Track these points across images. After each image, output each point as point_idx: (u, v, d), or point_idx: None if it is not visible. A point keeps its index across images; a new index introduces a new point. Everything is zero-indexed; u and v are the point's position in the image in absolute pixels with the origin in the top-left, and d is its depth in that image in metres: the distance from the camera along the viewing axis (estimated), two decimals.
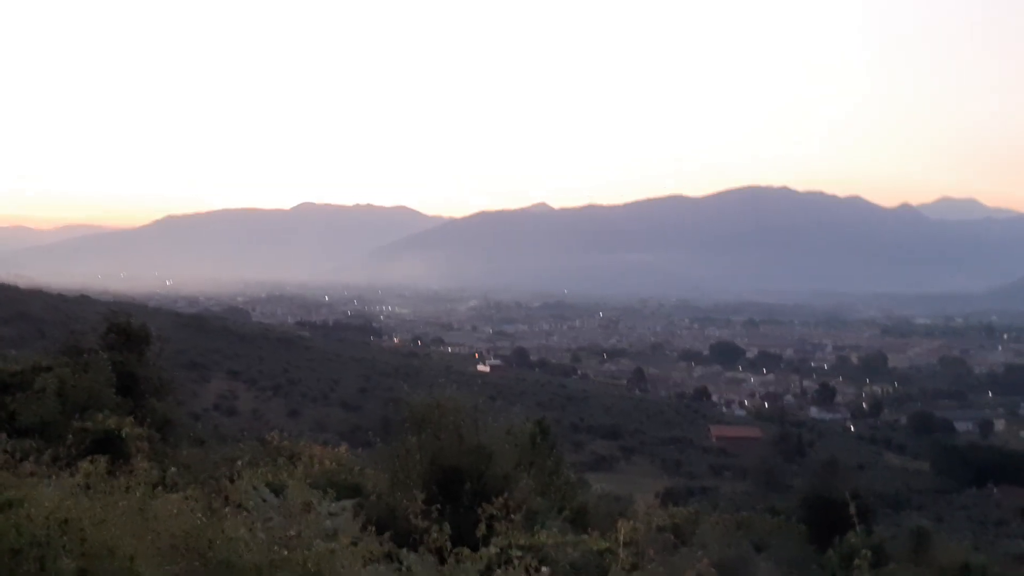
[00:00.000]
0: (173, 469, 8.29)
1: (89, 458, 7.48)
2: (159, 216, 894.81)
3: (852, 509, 6.76)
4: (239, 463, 9.77)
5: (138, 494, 6.78)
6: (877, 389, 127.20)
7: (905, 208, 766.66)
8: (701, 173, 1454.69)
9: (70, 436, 10.67)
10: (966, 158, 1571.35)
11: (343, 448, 16.18)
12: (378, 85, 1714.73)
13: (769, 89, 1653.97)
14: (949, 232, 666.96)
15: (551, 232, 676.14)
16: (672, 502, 31.62)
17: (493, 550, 5.99)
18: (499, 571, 5.95)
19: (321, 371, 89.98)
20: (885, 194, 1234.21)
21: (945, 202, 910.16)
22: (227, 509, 6.64)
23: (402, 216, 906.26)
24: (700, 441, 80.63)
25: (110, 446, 10.90)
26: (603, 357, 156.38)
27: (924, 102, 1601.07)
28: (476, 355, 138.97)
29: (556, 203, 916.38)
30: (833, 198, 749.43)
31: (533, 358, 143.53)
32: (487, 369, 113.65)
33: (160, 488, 7.30)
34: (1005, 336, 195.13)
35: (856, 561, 6.52)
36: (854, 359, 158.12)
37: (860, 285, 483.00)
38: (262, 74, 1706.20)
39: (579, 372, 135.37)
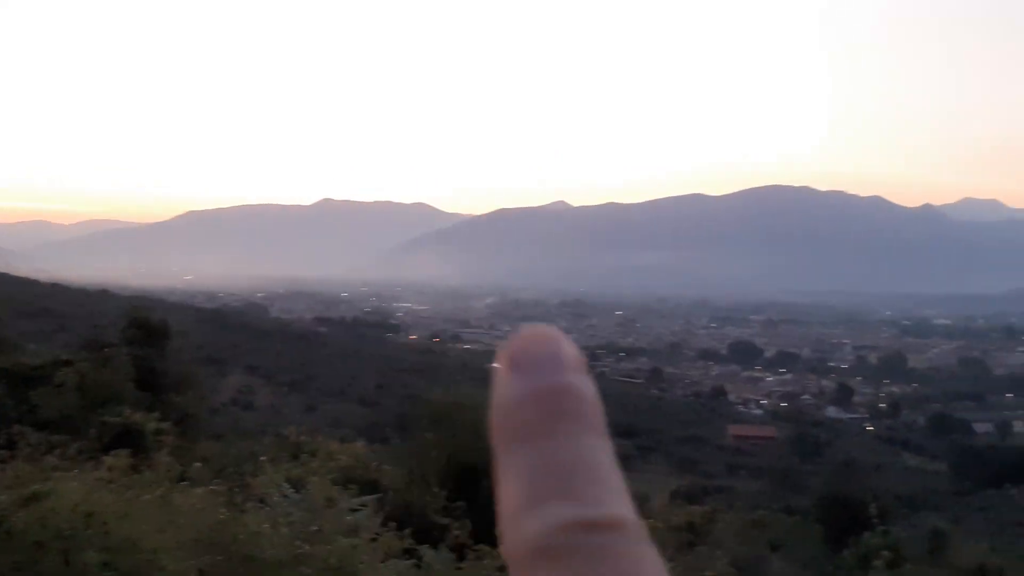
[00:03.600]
0: (197, 464, 8.37)
1: (112, 452, 7.57)
2: (180, 211, 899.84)
3: (873, 509, 6.75)
4: (261, 458, 9.85)
5: (161, 488, 6.86)
6: (895, 389, 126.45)
7: (927, 208, 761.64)
8: (721, 171, 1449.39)
9: (92, 430, 10.78)
10: (989, 158, 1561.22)
11: (360, 444, 16.24)
12: (400, 81, 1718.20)
13: (791, 87, 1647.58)
14: (971, 233, 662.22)
15: (570, 230, 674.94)
16: (688, 501, 31.61)
17: None
18: None
19: (339, 367, 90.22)
20: (907, 194, 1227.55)
21: (968, 202, 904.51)
22: (249, 504, 6.71)
23: (421, 213, 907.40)
24: (717, 440, 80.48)
25: (132, 440, 11.01)
26: (621, 355, 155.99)
27: (947, 102, 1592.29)
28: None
29: (575, 201, 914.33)
30: (854, 197, 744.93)
31: None
32: None
33: (183, 482, 7.38)
34: None
35: (875, 562, 6.52)
36: (873, 359, 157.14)
37: (880, 285, 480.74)
38: (284, 70, 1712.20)
39: (596, 370, 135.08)
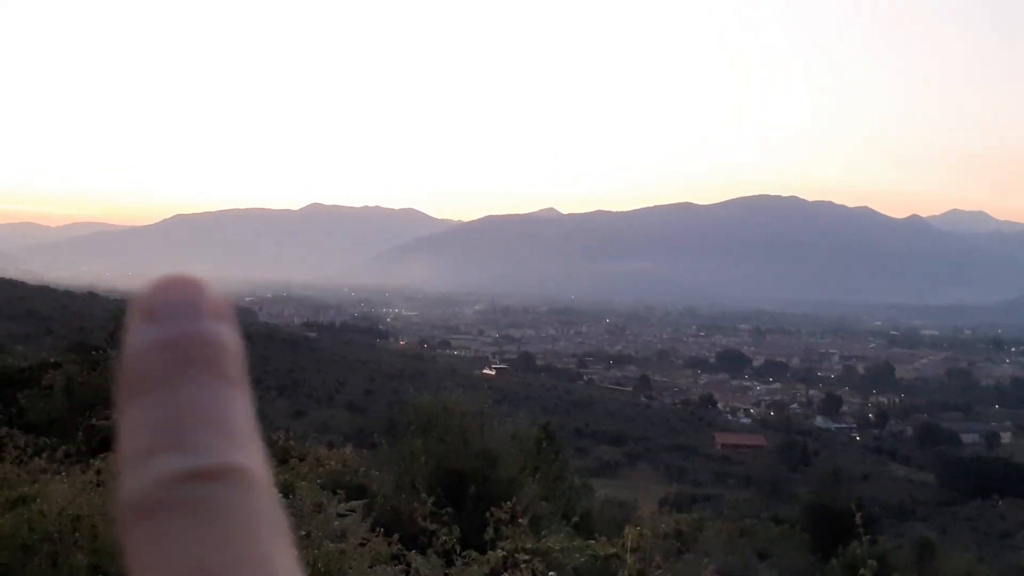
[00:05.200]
0: None
1: (100, 455, 7.54)
2: (168, 215, 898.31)
3: (858, 519, 6.75)
4: None
5: None
6: (883, 399, 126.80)
7: (914, 219, 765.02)
8: (710, 180, 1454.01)
9: (80, 433, 10.72)
10: (976, 170, 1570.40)
11: (348, 450, 16.19)
12: (388, 86, 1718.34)
13: (780, 97, 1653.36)
14: (958, 244, 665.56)
15: (559, 237, 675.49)
16: (676, 509, 31.61)
17: (500, 553, 6.04)
18: (506, 574, 6.00)
19: (327, 372, 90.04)
20: (894, 205, 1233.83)
21: (955, 214, 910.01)
22: None
23: (410, 218, 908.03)
24: (705, 448, 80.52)
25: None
26: (609, 363, 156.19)
27: (934, 113, 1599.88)
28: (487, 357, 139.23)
29: (564, 208, 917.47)
30: (842, 208, 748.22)
31: (539, 362, 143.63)
32: (493, 373, 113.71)
33: None
34: (1012, 349, 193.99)
35: (860, 571, 6.53)
36: (860, 369, 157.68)
37: (868, 295, 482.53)
38: (273, 73, 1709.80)
39: (585, 377, 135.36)
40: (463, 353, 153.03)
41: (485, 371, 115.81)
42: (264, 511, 0.65)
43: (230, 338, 0.65)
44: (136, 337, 0.65)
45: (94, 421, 12.13)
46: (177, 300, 0.65)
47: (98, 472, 7.09)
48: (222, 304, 0.65)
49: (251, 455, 0.65)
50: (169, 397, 0.64)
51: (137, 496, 0.64)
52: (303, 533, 5.89)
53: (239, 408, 0.64)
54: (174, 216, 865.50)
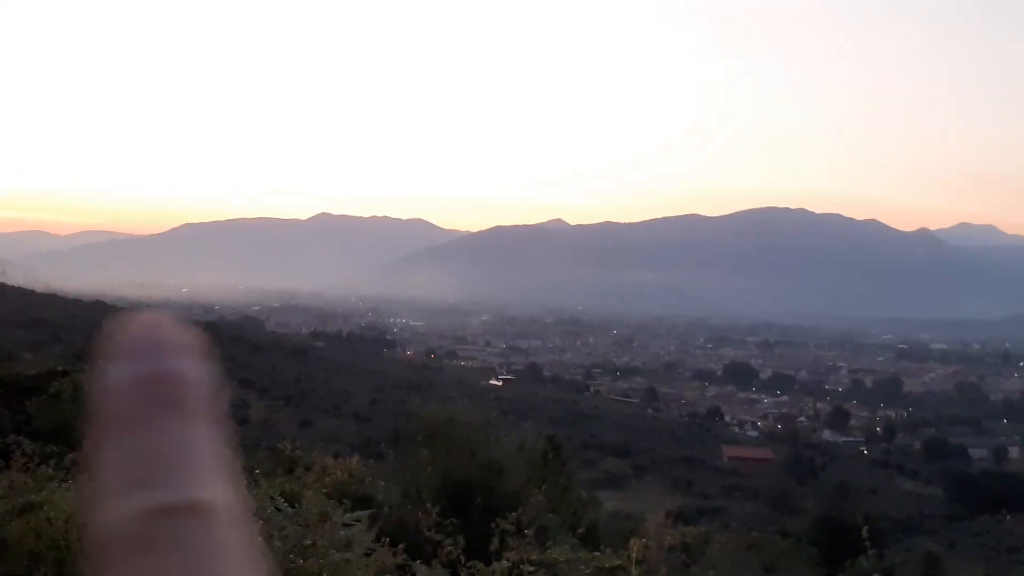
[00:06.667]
0: None
1: None
2: (176, 223, 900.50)
3: (864, 532, 6.74)
4: (256, 472, 9.82)
5: None
6: (891, 413, 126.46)
7: (923, 232, 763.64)
8: (719, 192, 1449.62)
9: (88, 441, 10.72)
10: (986, 184, 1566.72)
11: (355, 459, 16.19)
12: (398, 95, 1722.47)
13: (789, 109, 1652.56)
14: (967, 257, 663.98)
15: (567, 248, 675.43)
16: (683, 521, 31.55)
17: (505, 564, 6.04)
18: None
19: (334, 382, 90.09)
20: (903, 218, 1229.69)
21: (964, 227, 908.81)
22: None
23: (419, 228, 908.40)
24: (712, 461, 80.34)
25: None
26: (616, 375, 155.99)
27: (944, 126, 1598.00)
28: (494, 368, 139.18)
29: (572, 219, 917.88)
30: (851, 220, 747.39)
31: (546, 374, 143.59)
32: (499, 384, 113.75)
33: None
34: (1021, 364, 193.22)
35: None
36: (868, 382, 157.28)
37: (876, 308, 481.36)
38: (283, 83, 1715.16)
39: (591, 389, 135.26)
40: (470, 364, 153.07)
41: (492, 382, 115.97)
42: (228, 545, 0.67)
43: (197, 374, 0.68)
44: (111, 374, 0.68)
45: None
46: (148, 338, 0.67)
47: None
48: (191, 340, 0.68)
49: (216, 490, 0.68)
50: (144, 435, 0.67)
51: (112, 529, 0.68)
52: (309, 542, 5.89)
53: (205, 444, 0.67)
54: (182, 224, 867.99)
